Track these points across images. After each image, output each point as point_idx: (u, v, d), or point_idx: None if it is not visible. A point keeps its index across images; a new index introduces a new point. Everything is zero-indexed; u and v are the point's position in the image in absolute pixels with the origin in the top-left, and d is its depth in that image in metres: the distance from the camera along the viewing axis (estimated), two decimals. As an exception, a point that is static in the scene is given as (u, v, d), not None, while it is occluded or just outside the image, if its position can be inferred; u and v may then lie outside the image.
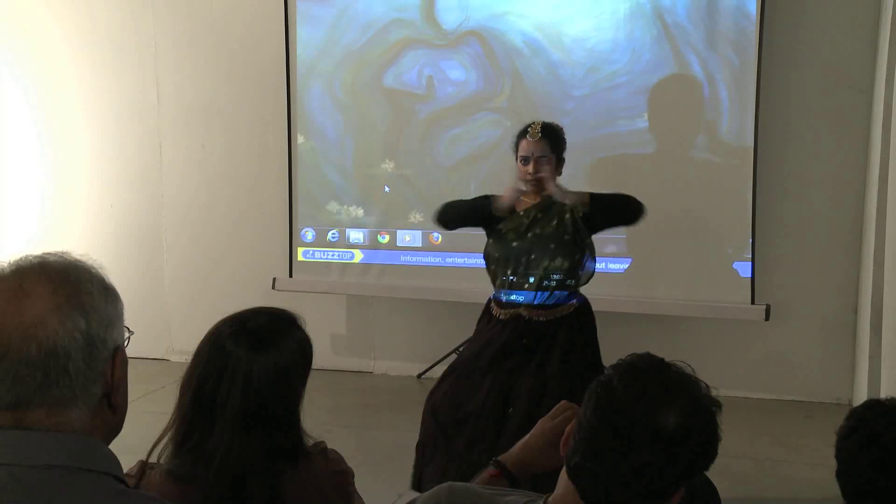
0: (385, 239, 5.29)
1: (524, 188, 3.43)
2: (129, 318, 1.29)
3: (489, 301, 3.51)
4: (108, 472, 1.18)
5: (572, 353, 3.33)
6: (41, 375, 1.14)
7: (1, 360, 1.14)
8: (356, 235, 5.36)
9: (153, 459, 1.74)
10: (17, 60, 6.05)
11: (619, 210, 3.44)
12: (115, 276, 1.29)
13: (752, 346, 5.12)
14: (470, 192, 3.63)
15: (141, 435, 1.73)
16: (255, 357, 1.73)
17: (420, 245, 5.21)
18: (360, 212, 5.35)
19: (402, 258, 5.27)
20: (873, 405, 1.52)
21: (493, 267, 3.46)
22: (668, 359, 1.34)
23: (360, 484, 1.90)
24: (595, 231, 3.44)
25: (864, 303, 4.68)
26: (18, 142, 6.13)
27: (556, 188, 3.37)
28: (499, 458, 1.63)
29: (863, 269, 4.79)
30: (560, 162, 3.45)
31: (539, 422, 1.64)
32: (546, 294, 3.35)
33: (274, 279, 5.49)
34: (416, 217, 5.18)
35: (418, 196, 5.17)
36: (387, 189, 5.28)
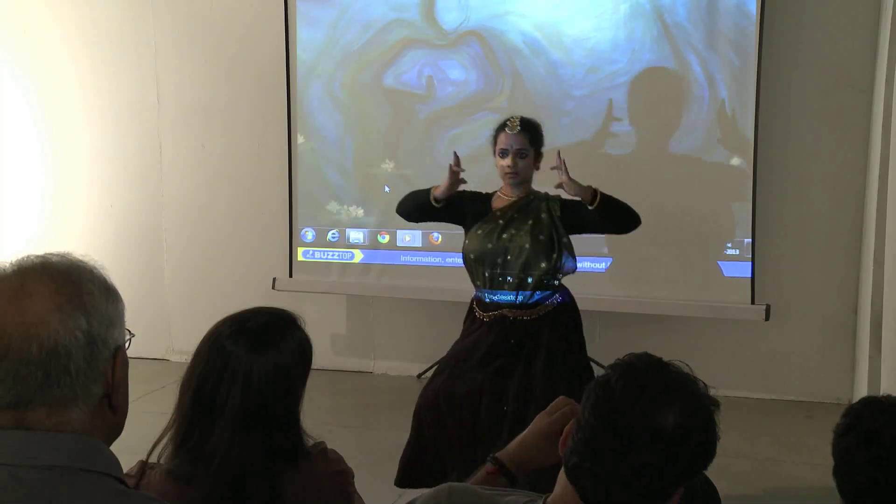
0: (385, 239, 5.29)
1: (461, 179, 3.42)
2: (129, 318, 1.30)
3: (472, 300, 3.50)
4: (109, 472, 1.18)
5: (558, 350, 3.32)
6: (42, 375, 1.15)
7: (2, 359, 1.15)
8: (356, 235, 5.36)
9: (153, 459, 1.75)
10: (17, 60, 6.06)
11: (620, 220, 3.39)
12: (115, 276, 1.30)
13: (752, 346, 5.12)
14: (468, 189, 3.62)
15: (141, 435, 1.72)
16: (255, 357, 1.74)
17: (420, 245, 5.22)
18: (360, 212, 5.35)
19: (402, 258, 5.27)
20: (870, 402, 1.53)
21: (470, 268, 3.45)
22: (667, 359, 1.34)
23: (360, 484, 1.91)
24: (577, 232, 3.42)
25: (864, 303, 4.68)
26: (18, 142, 6.13)
27: (571, 183, 3.32)
28: (496, 454, 1.63)
29: (863, 269, 4.79)
30: (538, 156, 3.43)
31: (536, 418, 1.63)
32: (527, 294, 3.34)
33: (274, 279, 5.49)
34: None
35: (418, 196, 5.16)
36: (387, 189, 5.28)
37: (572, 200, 3.40)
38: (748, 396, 5.06)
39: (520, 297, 3.34)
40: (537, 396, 3.13)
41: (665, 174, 4.87)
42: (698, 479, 1.98)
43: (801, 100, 4.88)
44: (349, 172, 5.37)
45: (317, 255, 5.43)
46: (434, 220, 3.71)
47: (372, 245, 5.32)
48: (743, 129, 4.73)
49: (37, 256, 1.22)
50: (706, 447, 1.28)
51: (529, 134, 3.39)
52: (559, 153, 3.43)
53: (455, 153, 3.50)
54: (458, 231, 3.64)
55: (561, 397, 1.64)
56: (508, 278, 3.34)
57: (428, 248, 5.19)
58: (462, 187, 3.50)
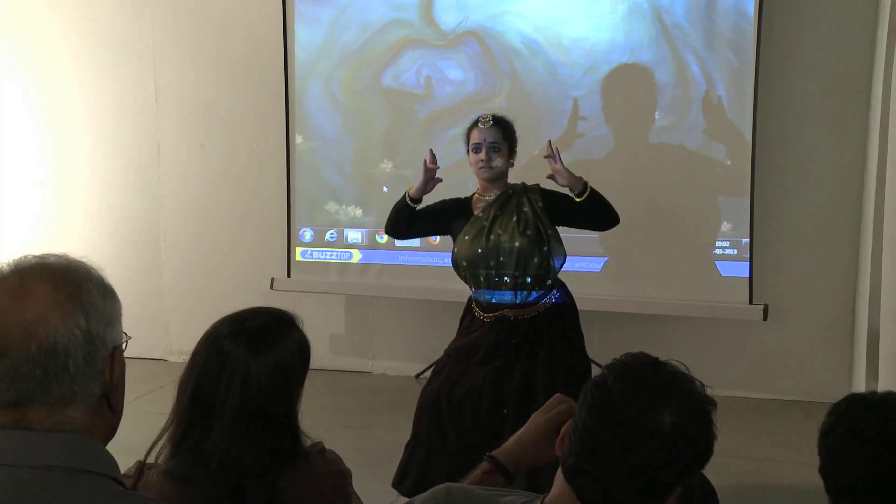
0: (383, 239, 5.29)
1: (435, 175, 3.42)
2: (128, 318, 1.30)
3: (470, 300, 3.48)
4: (107, 473, 1.19)
5: (559, 348, 3.32)
6: (41, 373, 1.15)
7: (1, 357, 1.15)
8: (354, 235, 5.37)
9: (151, 459, 1.75)
10: (16, 61, 6.06)
11: (602, 216, 3.38)
12: (114, 275, 1.30)
13: (750, 346, 5.12)
14: (468, 193, 3.62)
15: (139, 435, 1.73)
16: (253, 357, 1.73)
17: (418, 245, 5.22)
18: (359, 212, 5.36)
19: (401, 258, 5.28)
20: (854, 399, 1.52)
21: (463, 273, 3.42)
22: (664, 358, 1.34)
23: (359, 484, 1.91)
24: (558, 224, 3.39)
25: (862, 302, 4.68)
26: (18, 142, 6.13)
27: (564, 171, 3.31)
28: (492, 453, 1.63)
29: (861, 269, 4.80)
30: (512, 153, 3.42)
31: (533, 415, 1.63)
32: (525, 293, 3.33)
33: (272, 279, 5.49)
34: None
35: (417, 196, 5.16)
36: (385, 189, 5.28)
37: (553, 191, 3.40)
38: (746, 396, 5.07)
39: (519, 297, 3.33)
40: (538, 394, 3.13)
41: (663, 173, 4.88)
42: (697, 478, 1.98)
43: (800, 100, 4.88)
44: (348, 172, 5.37)
45: (315, 255, 5.43)
46: (419, 233, 3.69)
47: (370, 245, 5.33)
48: (741, 129, 4.74)
49: (34, 256, 1.23)
50: (703, 447, 1.28)
51: (502, 129, 3.38)
52: (550, 141, 3.42)
53: (431, 150, 3.51)
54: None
55: (557, 395, 1.64)
56: (505, 278, 3.32)
57: (426, 248, 5.20)
58: (461, 188, 3.49)
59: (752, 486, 3.99)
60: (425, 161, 3.46)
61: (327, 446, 1.86)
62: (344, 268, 5.39)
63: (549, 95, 4.96)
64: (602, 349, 3.48)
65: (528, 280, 3.32)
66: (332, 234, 5.40)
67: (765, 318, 4.83)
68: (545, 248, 3.31)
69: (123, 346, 1.26)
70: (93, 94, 5.92)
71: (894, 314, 4.03)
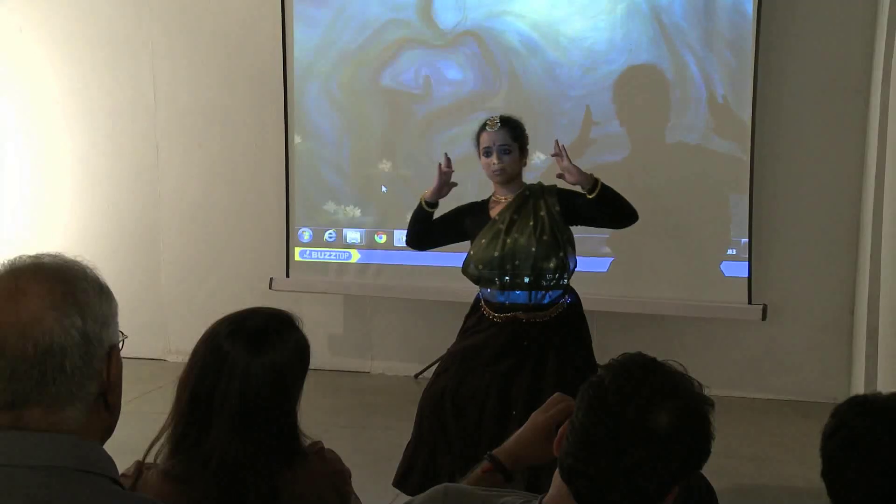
0: (382, 239, 5.30)
1: (450, 179, 3.41)
2: (126, 318, 1.30)
3: (478, 299, 3.45)
4: (104, 473, 1.19)
5: (567, 351, 3.30)
6: (38, 373, 1.15)
7: None
8: (353, 235, 5.37)
9: (150, 459, 1.75)
10: (13, 61, 6.05)
11: (617, 212, 3.35)
12: (113, 275, 1.30)
13: (749, 345, 5.13)
14: (467, 193, 3.62)
15: (138, 435, 1.73)
16: (252, 357, 1.73)
17: (417, 245, 5.21)
18: (358, 212, 5.36)
19: (400, 258, 5.27)
20: (857, 403, 1.49)
21: (477, 276, 3.38)
22: (662, 358, 1.33)
23: (357, 484, 1.91)
24: (574, 223, 3.38)
25: (861, 302, 4.69)
26: (16, 142, 6.13)
27: (573, 168, 3.29)
28: (492, 452, 1.63)
29: (859, 269, 4.80)
30: (523, 153, 3.40)
31: (532, 415, 1.63)
32: (541, 294, 3.32)
33: (271, 279, 5.50)
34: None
35: (415, 196, 5.12)
36: (384, 189, 5.28)
37: (570, 191, 3.38)
38: (745, 396, 5.07)
39: (533, 299, 3.31)
40: (546, 397, 3.11)
41: (662, 174, 4.88)
42: (696, 478, 1.98)
43: (798, 100, 4.89)
44: (346, 172, 5.37)
45: (314, 255, 5.43)
46: (439, 242, 3.63)
47: (369, 245, 5.33)
48: (739, 129, 4.74)
49: (29, 256, 1.22)
50: (700, 447, 1.28)
51: (511, 130, 3.35)
52: (557, 140, 3.41)
53: (446, 154, 3.49)
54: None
55: (557, 393, 1.64)
56: (526, 279, 3.29)
57: (425, 248, 5.19)
58: (459, 189, 3.48)
59: (751, 486, 4.00)
60: (440, 165, 3.44)
61: (326, 446, 1.87)
62: (343, 268, 5.39)
63: (547, 95, 4.96)
64: (600, 349, 3.46)
65: (543, 283, 3.30)
66: (330, 234, 5.40)
67: (763, 318, 4.84)
68: (561, 254, 3.30)
69: (120, 345, 1.26)
70: (91, 94, 5.92)
71: (893, 314, 4.04)
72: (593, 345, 3.48)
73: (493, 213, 3.40)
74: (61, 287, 1.18)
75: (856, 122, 4.79)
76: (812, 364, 5.05)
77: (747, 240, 4.78)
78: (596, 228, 3.68)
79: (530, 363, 3.27)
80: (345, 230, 5.37)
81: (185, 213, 5.90)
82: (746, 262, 4.79)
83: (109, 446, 1.24)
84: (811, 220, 4.96)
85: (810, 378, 5.04)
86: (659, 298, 4.93)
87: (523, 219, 3.33)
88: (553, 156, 3.40)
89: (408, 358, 5.58)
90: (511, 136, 3.34)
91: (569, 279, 3.39)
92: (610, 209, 3.32)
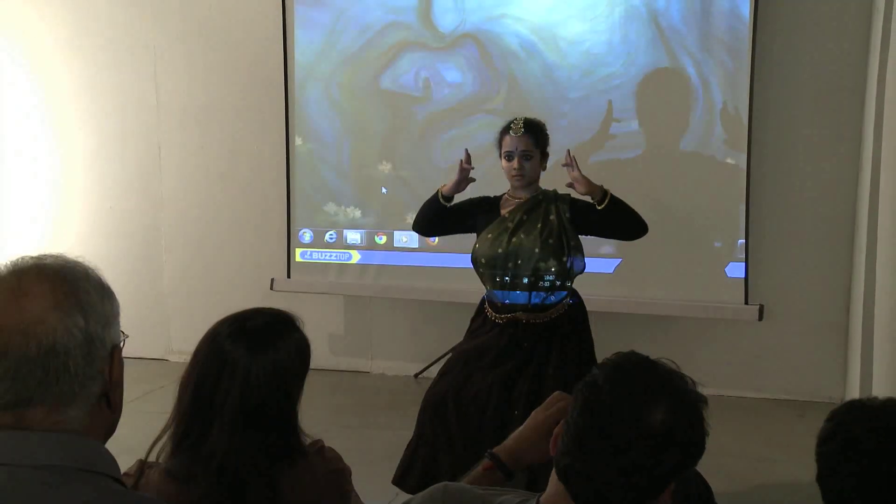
0: (382, 240, 5.32)
1: (469, 175, 3.44)
2: (129, 318, 1.31)
3: (483, 301, 3.49)
4: (107, 472, 1.19)
5: (569, 353, 3.32)
6: (41, 373, 1.15)
7: (1, 358, 1.15)
8: (353, 236, 5.39)
9: (152, 459, 1.75)
10: (16, 62, 6.07)
11: (627, 224, 3.40)
12: (115, 276, 1.31)
13: (745, 345, 5.14)
14: (467, 194, 3.64)
15: (140, 435, 1.74)
16: (253, 357, 1.74)
17: (417, 246, 5.24)
18: (358, 213, 5.38)
19: (399, 259, 5.29)
20: (853, 407, 1.49)
21: (481, 271, 3.44)
22: (655, 357, 1.34)
23: (357, 483, 1.92)
24: (585, 233, 3.42)
25: (857, 302, 4.70)
26: (19, 143, 6.15)
27: (582, 179, 3.34)
28: (493, 450, 1.63)
29: (855, 270, 4.82)
30: (544, 157, 3.44)
31: (532, 413, 1.64)
32: (542, 296, 3.34)
33: (272, 280, 5.51)
34: (413, 218, 5.18)
35: (415, 197, 5.17)
36: (384, 190, 5.30)
37: (582, 201, 3.41)
38: (741, 395, 5.09)
39: (534, 300, 3.33)
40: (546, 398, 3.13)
41: (659, 176, 4.90)
42: (693, 477, 1.99)
43: (795, 102, 4.90)
44: (347, 174, 5.39)
45: (314, 255, 5.45)
46: (446, 230, 3.70)
47: (369, 246, 5.35)
48: (737, 131, 4.76)
49: (31, 257, 1.23)
50: (694, 444, 1.28)
51: (533, 135, 3.39)
52: (569, 151, 3.44)
53: (466, 150, 3.53)
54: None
55: (556, 392, 1.64)
56: (525, 279, 3.32)
57: (425, 248, 5.21)
58: (467, 192, 3.51)
59: (747, 485, 4.01)
60: (461, 161, 3.48)
61: (326, 445, 1.88)
62: (343, 268, 5.41)
63: (545, 98, 4.98)
64: (598, 350, 3.49)
65: (541, 284, 3.33)
66: (331, 235, 5.42)
67: (760, 319, 4.85)
68: (564, 259, 3.32)
69: (122, 345, 1.26)
70: (94, 95, 5.93)
71: (888, 314, 4.05)
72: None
73: (504, 210, 3.44)
74: (64, 287, 1.19)
75: (852, 124, 4.81)
76: (808, 364, 5.07)
77: (744, 241, 4.79)
78: None
79: (532, 364, 3.29)
80: (345, 231, 5.39)
81: (186, 214, 5.91)
82: (743, 263, 4.81)
83: (111, 445, 1.24)
84: (807, 221, 4.98)
85: (806, 378, 5.06)
86: (655, 299, 4.95)
87: (532, 220, 3.37)
88: (564, 166, 3.43)
89: (408, 358, 5.60)
90: (533, 141, 3.38)
91: (572, 282, 3.41)
92: (618, 220, 3.36)
